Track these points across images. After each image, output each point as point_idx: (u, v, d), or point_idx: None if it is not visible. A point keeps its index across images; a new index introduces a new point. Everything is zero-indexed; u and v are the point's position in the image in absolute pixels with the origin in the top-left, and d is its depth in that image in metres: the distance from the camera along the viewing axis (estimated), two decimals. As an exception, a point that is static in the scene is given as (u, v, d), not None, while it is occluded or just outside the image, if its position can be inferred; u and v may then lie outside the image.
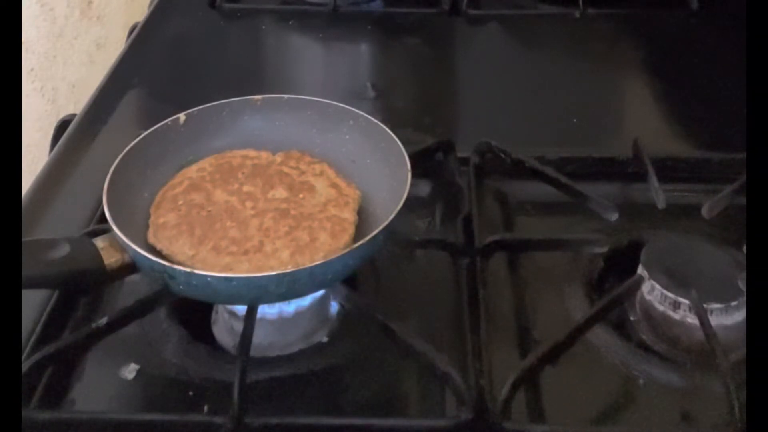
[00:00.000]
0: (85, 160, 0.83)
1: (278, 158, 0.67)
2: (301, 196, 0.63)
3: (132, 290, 0.63)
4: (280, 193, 0.63)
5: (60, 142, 0.85)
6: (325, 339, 0.62)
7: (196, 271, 0.55)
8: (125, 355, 0.60)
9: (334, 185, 0.64)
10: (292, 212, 0.61)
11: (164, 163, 0.67)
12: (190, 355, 0.60)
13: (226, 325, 0.62)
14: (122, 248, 0.57)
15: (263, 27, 1.08)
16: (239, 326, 0.58)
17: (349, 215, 0.62)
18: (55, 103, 1.18)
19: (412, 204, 0.61)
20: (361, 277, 0.66)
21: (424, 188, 0.76)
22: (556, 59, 1.01)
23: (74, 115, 0.89)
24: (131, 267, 0.57)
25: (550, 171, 0.74)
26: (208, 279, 0.54)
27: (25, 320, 0.59)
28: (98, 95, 0.93)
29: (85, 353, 0.60)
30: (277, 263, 0.58)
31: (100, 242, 0.57)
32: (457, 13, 1.08)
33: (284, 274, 0.54)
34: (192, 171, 0.66)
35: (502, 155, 0.76)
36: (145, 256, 0.55)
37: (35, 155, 1.00)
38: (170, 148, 0.67)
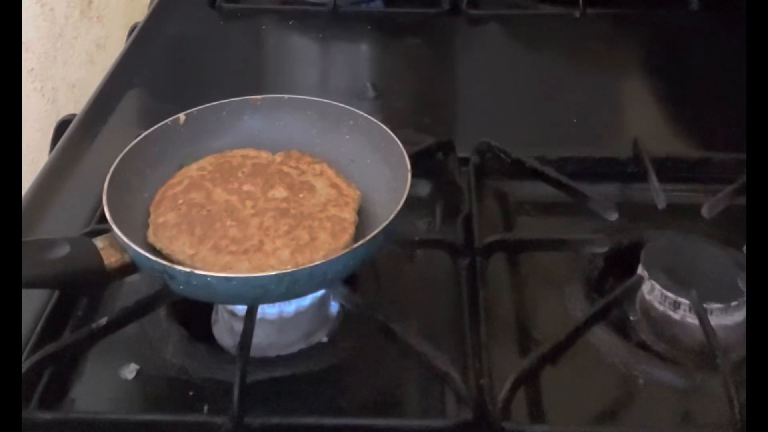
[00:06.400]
0: (85, 160, 0.83)
1: (278, 158, 0.67)
2: (301, 195, 0.63)
3: (132, 290, 0.63)
4: (280, 192, 0.63)
5: (60, 142, 0.85)
6: (325, 339, 0.62)
7: (196, 271, 0.54)
8: (125, 355, 0.60)
9: (334, 185, 0.64)
10: (292, 211, 0.61)
11: (164, 162, 0.67)
12: (190, 355, 0.60)
13: (226, 325, 0.62)
14: (122, 248, 0.57)
15: (263, 27, 1.08)
16: (239, 326, 0.58)
17: (349, 215, 0.62)
18: (55, 103, 1.18)
19: (412, 204, 0.61)
20: (361, 277, 0.66)
21: (424, 188, 0.76)
22: (556, 59, 1.01)
23: (74, 115, 0.89)
24: (131, 267, 0.57)
25: (550, 171, 0.74)
26: (208, 279, 0.54)
27: (25, 320, 0.59)
28: (98, 95, 0.93)
29: (85, 353, 0.60)
30: (277, 262, 0.58)
31: (100, 242, 0.57)
32: (457, 13, 1.08)
33: (284, 274, 0.54)
34: (192, 170, 0.66)
35: (502, 155, 0.76)
36: (145, 256, 0.55)
37: (35, 155, 1.00)
38: (170, 148, 0.67)
